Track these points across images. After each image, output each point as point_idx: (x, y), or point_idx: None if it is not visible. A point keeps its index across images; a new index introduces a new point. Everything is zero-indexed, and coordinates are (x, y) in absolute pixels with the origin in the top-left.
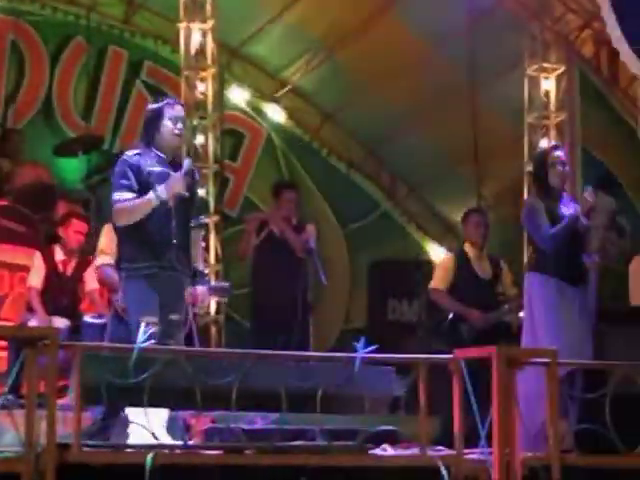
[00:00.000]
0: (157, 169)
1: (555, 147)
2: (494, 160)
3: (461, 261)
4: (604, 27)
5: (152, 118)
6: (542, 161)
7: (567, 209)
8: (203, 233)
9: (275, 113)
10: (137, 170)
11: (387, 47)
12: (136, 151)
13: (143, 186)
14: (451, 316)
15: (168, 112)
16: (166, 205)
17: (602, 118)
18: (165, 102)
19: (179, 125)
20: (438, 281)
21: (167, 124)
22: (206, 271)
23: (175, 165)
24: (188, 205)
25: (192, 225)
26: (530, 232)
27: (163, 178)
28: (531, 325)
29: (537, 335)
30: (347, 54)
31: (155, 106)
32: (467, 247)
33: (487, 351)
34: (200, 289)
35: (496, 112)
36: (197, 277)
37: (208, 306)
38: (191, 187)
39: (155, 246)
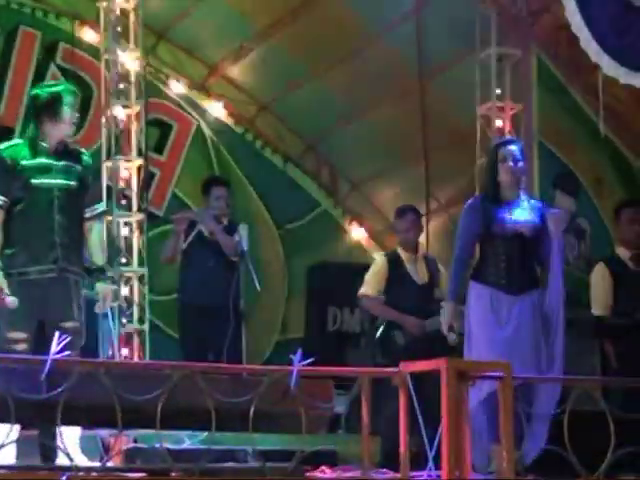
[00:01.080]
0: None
1: (508, 141)
2: (446, 155)
3: (393, 264)
4: (564, 11)
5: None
6: (492, 156)
7: (516, 210)
8: (105, 224)
9: (206, 102)
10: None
11: (328, 32)
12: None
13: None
14: (384, 323)
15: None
16: (50, 195)
17: (562, 110)
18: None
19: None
20: (368, 287)
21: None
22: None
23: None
24: (78, 196)
25: (87, 216)
26: None
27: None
28: (468, 336)
29: (471, 348)
30: (284, 39)
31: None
32: (400, 249)
33: (436, 364)
34: (100, 287)
35: (448, 103)
36: (96, 275)
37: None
38: (80, 175)
39: (33, 248)
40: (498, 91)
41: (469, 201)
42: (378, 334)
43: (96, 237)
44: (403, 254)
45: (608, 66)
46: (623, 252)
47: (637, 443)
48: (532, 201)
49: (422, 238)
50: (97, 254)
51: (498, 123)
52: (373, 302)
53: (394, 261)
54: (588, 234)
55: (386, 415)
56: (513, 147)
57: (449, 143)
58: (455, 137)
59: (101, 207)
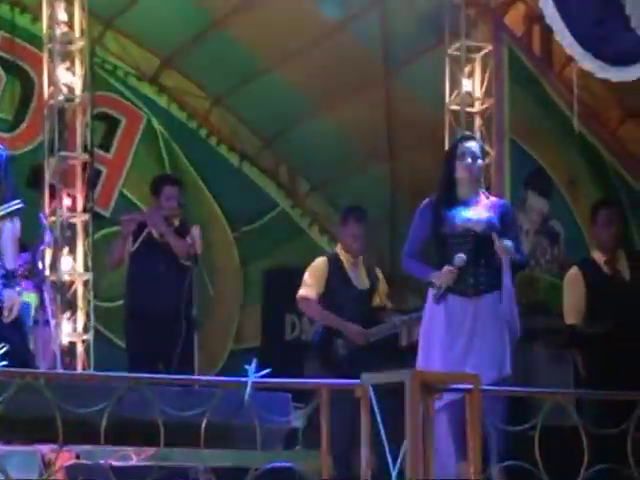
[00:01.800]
0: None
1: (467, 137)
2: (414, 154)
3: (334, 267)
4: (536, 1)
5: None
6: (451, 152)
7: (469, 208)
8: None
9: (157, 96)
10: None
11: (288, 21)
12: None
13: None
14: (321, 329)
15: None
16: None
17: (534, 105)
18: None
19: None
20: (307, 288)
21: None
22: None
23: None
24: None
25: None
26: None
27: None
28: (422, 343)
29: (426, 356)
30: (241, 29)
31: None
32: (341, 252)
33: (400, 375)
34: (7, 294)
35: (416, 98)
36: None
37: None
38: None
39: None
40: (468, 86)
41: (423, 202)
42: (315, 340)
43: (7, 238)
44: (344, 257)
45: (583, 59)
46: (598, 256)
47: (612, 459)
48: (492, 199)
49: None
50: (7, 257)
51: (468, 119)
52: (314, 306)
53: (335, 263)
54: (562, 237)
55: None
56: (472, 144)
57: (416, 141)
58: (423, 134)
59: (13, 205)
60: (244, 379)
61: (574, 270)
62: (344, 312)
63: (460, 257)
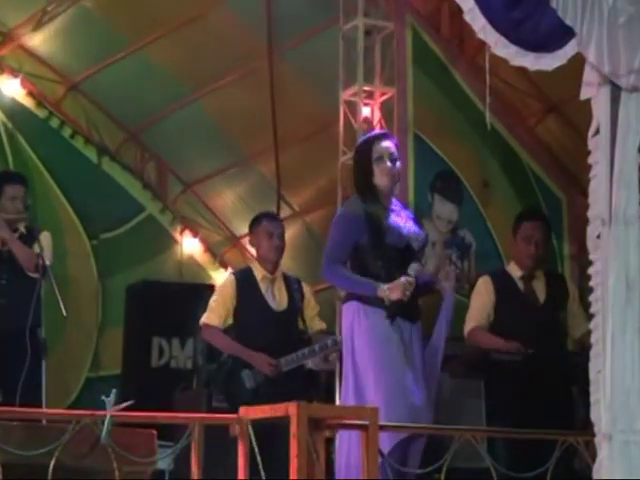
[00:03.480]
0: None
1: (383, 135)
2: (302, 150)
3: (245, 285)
4: None
5: None
6: (365, 154)
7: (399, 219)
8: None
9: None
10: None
11: None
12: None
13: None
14: (230, 361)
15: None
16: None
17: (442, 96)
18: None
19: None
20: (211, 314)
21: None
22: None
23: None
24: None
25: None
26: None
27: None
28: (352, 370)
29: (360, 386)
30: (99, 2)
31: None
32: (255, 266)
33: (284, 409)
34: None
35: (305, 85)
36: None
37: None
38: None
39: None
40: (365, 73)
41: (345, 205)
42: (222, 373)
43: None
44: (258, 273)
45: (496, 43)
46: (514, 269)
47: None
48: (406, 210)
49: None
50: None
51: (365, 111)
52: (217, 334)
53: (245, 282)
54: (473, 249)
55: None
56: (388, 143)
57: (305, 135)
58: (312, 127)
59: None
60: (101, 412)
61: (485, 277)
62: (258, 338)
63: (417, 266)
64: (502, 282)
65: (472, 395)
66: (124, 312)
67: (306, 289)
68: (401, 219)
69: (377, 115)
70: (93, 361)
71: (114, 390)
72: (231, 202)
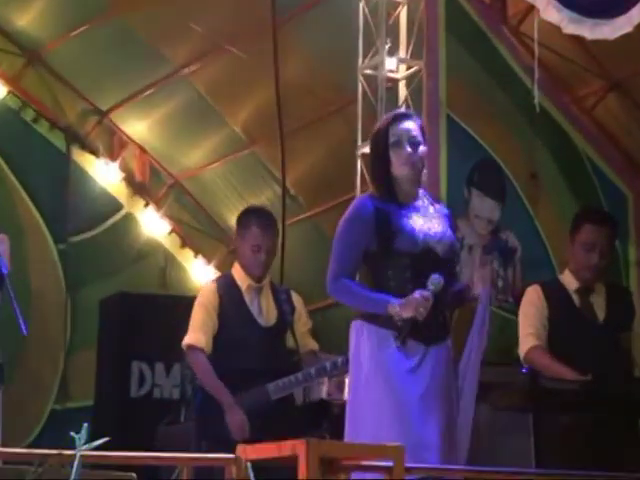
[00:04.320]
0: None
1: (403, 116)
2: (309, 135)
3: (228, 296)
4: None
5: None
6: (380, 139)
7: (420, 218)
8: None
9: None
10: None
11: None
12: None
13: None
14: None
15: None
16: None
17: (481, 71)
18: None
19: None
20: (194, 333)
21: None
22: None
23: None
24: None
25: None
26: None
27: None
28: (355, 399)
29: (356, 417)
30: None
31: None
32: (238, 272)
33: (290, 447)
34: None
35: (315, 57)
36: None
37: None
38: None
39: None
40: (389, 43)
41: (356, 200)
42: (196, 404)
43: None
44: (241, 281)
45: (546, 7)
46: (569, 280)
47: None
48: (437, 206)
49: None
50: None
51: (389, 89)
52: (203, 363)
53: (228, 291)
54: (518, 255)
55: None
56: (410, 124)
57: (315, 118)
58: (324, 109)
59: None
60: (70, 452)
61: (534, 287)
62: (242, 360)
63: (437, 279)
64: (554, 294)
65: (518, 430)
66: (97, 331)
67: (297, 300)
68: (426, 218)
69: (403, 93)
70: (60, 390)
71: (85, 425)
72: (224, 194)
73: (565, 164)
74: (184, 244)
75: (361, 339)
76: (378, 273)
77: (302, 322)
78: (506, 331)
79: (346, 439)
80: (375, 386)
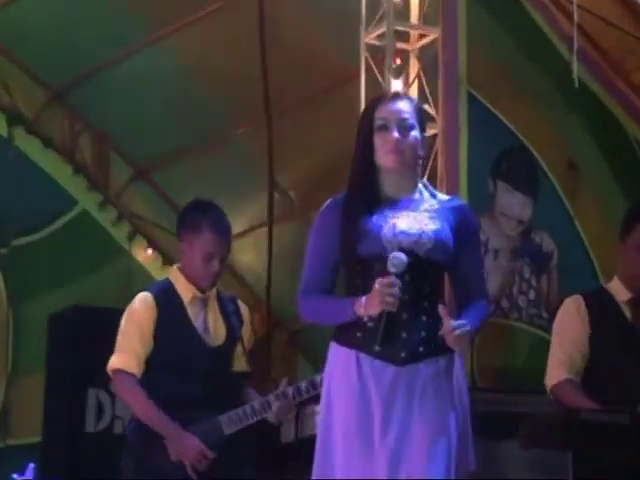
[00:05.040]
0: None
1: (393, 96)
2: (303, 116)
3: (167, 309)
4: None
5: None
6: (365, 123)
7: (415, 217)
8: None
9: None
10: None
11: None
12: None
13: None
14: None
15: None
16: None
17: (509, 39)
18: None
19: None
20: (126, 355)
21: None
22: None
23: None
24: None
25: None
26: None
27: None
28: (326, 431)
29: (327, 453)
30: None
31: None
32: (178, 281)
33: None
34: None
35: (308, 23)
36: None
37: None
38: None
39: None
40: (398, 6)
41: (324, 206)
42: (130, 436)
43: None
44: (184, 291)
45: None
46: (618, 289)
47: None
48: (442, 197)
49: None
50: None
51: (398, 61)
52: (134, 389)
53: (167, 304)
54: (554, 261)
55: None
56: (402, 105)
57: (310, 96)
58: (321, 85)
59: None
60: None
61: (575, 298)
62: (183, 389)
63: (397, 257)
64: (600, 306)
65: (554, 472)
66: (46, 352)
67: (245, 312)
68: (413, 214)
69: (414, 66)
70: (1, 424)
71: (31, 465)
72: (198, 189)
73: (610, 151)
74: (151, 247)
75: (330, 362)
76: (348, 284)
77: (246, 339)
78: (539, 352)
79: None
80: (335, 415)
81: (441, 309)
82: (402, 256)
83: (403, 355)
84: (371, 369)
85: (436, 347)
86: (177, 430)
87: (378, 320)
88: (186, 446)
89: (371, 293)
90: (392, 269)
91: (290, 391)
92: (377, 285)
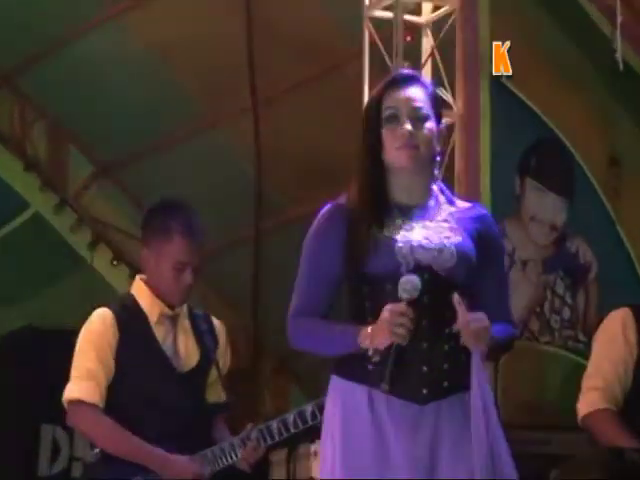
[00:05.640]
0: None
1: (405, 78)
2: (301, 103)
3: (130, 329)
4: None
5: None
6: (371, 113)
7: (430, 227)
8: None
9: None
10: None
11: None
12: None
13: None
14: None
15: None
16: None
17: (541, 13)
18: None
19: None
20: (86, 383)
21: None
22: None
23: None
24: None
25: None
26: None
27: None
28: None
29: None
30: None
31: None
32: (142, 296)
33: None
34: None
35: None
36: None
37: None
38: None
39: None
40: None
41: (324, 210)
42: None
43: None
44: (150, 308)
45: None
46: None
47: None
48: (460, 204)
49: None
50: None
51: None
52: (98, 419)
53: (130, 324)
54: (594, 275)
55: None
56: (414, 91)
57: (304, 79)
58: (317, 66)
59: None
60: None
61: (622, 311)
62: (150, 421)
63: (409, 281)
64: None
65: None
66: None
67: (220, 330)
68: (430, 224)
69: (427, 44)
70: None
71: None
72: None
73: None
74: (116, 258)
75: (331, 400)
76: (354, 306)
77: (222, 362)
78: (574, 382)
79: None
80: (340, 454)
81: (454, 298)
82: (415, 279)
83: (425, 392)
84: (387, 409)
85: (461, 381)
86: (166, 455)
87: (387, 354)
88: (185, 468)
89: (378, 322)
90: (404, 295)
91: (272, 427)
92: (386, 313)
